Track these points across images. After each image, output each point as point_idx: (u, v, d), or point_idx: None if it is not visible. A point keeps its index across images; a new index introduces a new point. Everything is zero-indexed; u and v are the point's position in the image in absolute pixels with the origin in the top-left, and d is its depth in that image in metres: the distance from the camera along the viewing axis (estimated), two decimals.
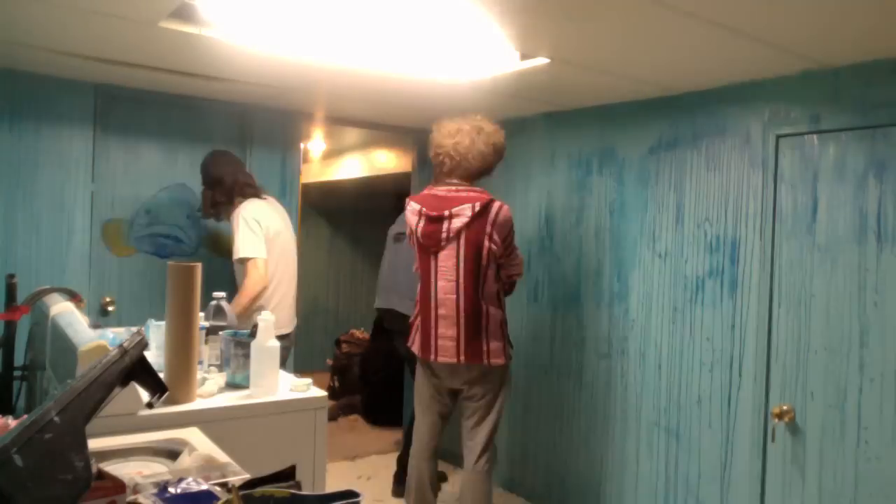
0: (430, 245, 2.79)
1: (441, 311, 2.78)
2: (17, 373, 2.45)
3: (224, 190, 3.28)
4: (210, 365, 2.25)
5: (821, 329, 2.57)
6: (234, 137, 3.86)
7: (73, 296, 2.55)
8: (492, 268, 2.77)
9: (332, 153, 6.06)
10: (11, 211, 3.22)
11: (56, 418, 0.63)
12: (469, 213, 2.71)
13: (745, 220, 2.81)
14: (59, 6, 2.24)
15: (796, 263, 2.65)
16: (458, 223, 2.72)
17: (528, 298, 3.81)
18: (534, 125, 3.77)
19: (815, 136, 2.60)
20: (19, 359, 2.52)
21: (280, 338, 2.97)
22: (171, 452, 1.27)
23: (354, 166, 5.87)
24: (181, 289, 1.89)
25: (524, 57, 2.60)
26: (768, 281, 2.72)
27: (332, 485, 2.75)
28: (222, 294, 2.43)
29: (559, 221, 3.64)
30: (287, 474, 1.04)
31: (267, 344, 2.02)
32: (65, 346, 1.78)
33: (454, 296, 2.75)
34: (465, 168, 2.82)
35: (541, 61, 2.61)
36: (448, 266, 2.75)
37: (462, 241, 2.72)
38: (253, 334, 2.08)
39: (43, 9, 2.28)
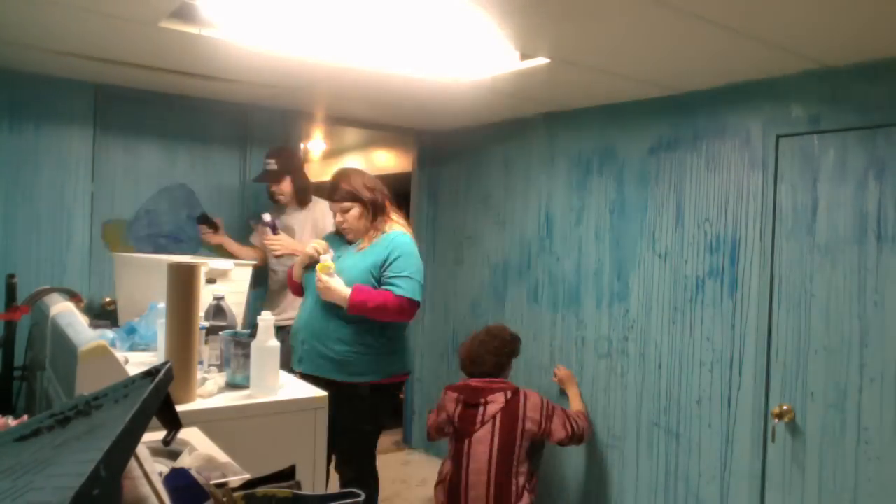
0: (464, 429, 2.99)
1: (472, 494, 2.90)
2: (17, 373, 2.45)
3: (305, 183, 3.54)
4: (210, 365, 2.25)
5: (821, 329, 2.57)
6: (234, 137, 3.87)
7: (73, 296, 2.55)
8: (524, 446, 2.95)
9: (332, 153, 6.06)
10: (11, 211, 3.22)
11: (103, 472, 0.62)
12: (502, 399, 2.96)
13: (745, 220, 2.81)
14: (59, 6, 2.24)
15: (796, 263, 2.64)
16: (493, 408, 2.97)
17: (528, 298, 3.81)
18: (534, 125, 3.77)
19: (815, 136, 2.60)
20: (19, 359, 2.52)
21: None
22: (171, 452, 1.27)
23: (354, 166, 5.87)
24: (181, 289, 1.89)
25: (524, 57, 2.60)
26: (768, 281, 2.72)
27: (333, 485, 2.75)
28: (222, 294, 2.43)
29: (559, 221, 3.64)
30: (287, 474, 1.04)
31: (267, 344, 2.02)
32: (65, 346, 1.77)
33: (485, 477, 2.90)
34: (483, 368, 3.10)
35: (541, 61, 2.61)
36: (480, 450, 2.93)
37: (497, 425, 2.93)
38: (253, 334, 2.08)
39: (43, 9, 2.29)
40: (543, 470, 3.70)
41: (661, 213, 3.14)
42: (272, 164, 3.55)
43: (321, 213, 3.58)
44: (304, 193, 3.63)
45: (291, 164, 3.60)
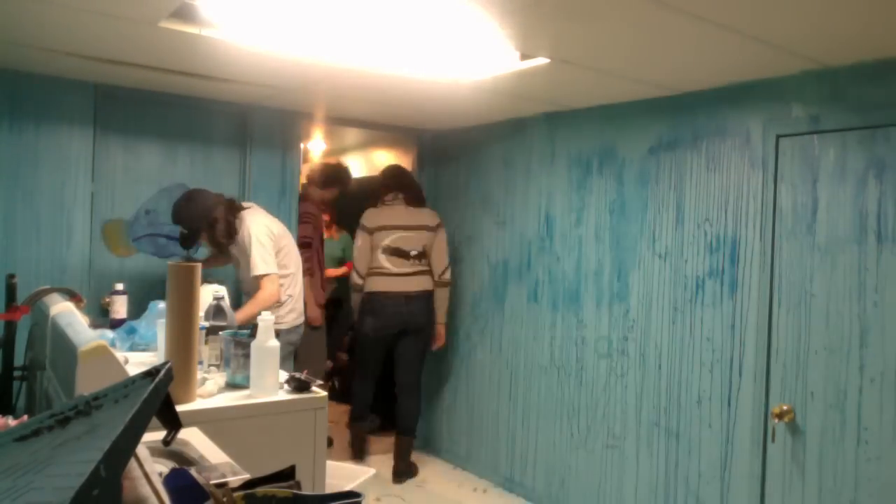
0: None
1: None
2: (17, 373, 2.45)
3: (224, 226, 3.29)
4: (210, 365, 2.25)
5: (821, 329, 2.57)
6: (234, 137, 3.87)
7: (73, 296, 2.55)
8: None
9: (332, 153, 6.06)
10: (11, 211, 3.22)
11: (103, 472, 0.62)
12: None
13: (745, 220, 2.81)
14: (59, 6, 2.24)
15: (796, 263, 2.64)
16: None
17: (528, 298, 3.81)
18: (534, 125, 3.77)
19: (815, 136, 2.60)
20: (19, 359, 2.51)
21: (297, 327, 3.52)
22: (171, 452, 1.27)
23: (354, 166, 5.87)
24: (181, 289, 1.89)
25: (524, 57, 2.60)
26: (768, 281, 2.72)
27: (332, 485, 2.75)
28: (222, 294, 2.43)
29: (559, 221, 3.64)
30: (287, 474, 1.04)
31: (267, 344, 2.02)
32: (65, 346, 1.77)
33: None
34: None
35: (541, 61, 2.61)
36: None
37: None
38: (253, 334, 2.08)
39: (43, 9, 2.28)
40: (543, 470, 3.70)
41: (661, 213, 3.14)
42: (183, 230, 3.32)
43: (244, 233, 3.32)
44: (220, 243, 3.35)
45: (197, 221, 3.28)
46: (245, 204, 3.49)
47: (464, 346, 4.26)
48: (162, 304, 2.41)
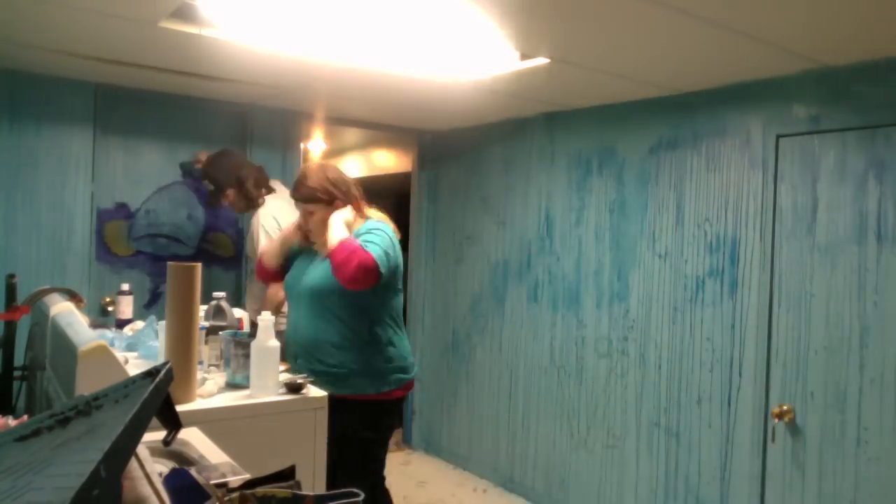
0: None
1: None
2: (17, 373, 2.45)
3: (252, 185, 3.30)
4: (210, 365, 2.25)
5: (821, 329, 2.57)
6: (234, 137, 3.86)
7: (73, 296, 2.54)
8: None
9: (332, 153, 6.06)
10: (11, 211, 3.22)
11: (103, 472, 0.62)
12: None
13: (745, 220, 2.81)
14: (59, 6, 2.24)
15: (796, 263, 2.64)
16: None
17: (528, 298, 3.81)
18: (534, 125, 3.77)
19: (815, 136, 2.60)
20: (19, 359, 2.52)
21: None
22: (171, 452, 1.27)
23: (354, 166, 5.88)
24: (181, 289, 1.89)
25: (524, 57, 2.61)
26: (768, 281, 2.72)
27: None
28: (222, 294, 2.43)
29: (559, 221, 3.64)
30: (287, 474, 1.04)
31: (267, 344, 2.02)
32: (65, 346, 1.77)
33: None
34: None
35: (541, 61, 2.61)
36: None
37: None
38: (253, 334, 2.08)
39: (43, 9, 2.28)
40: (543, 470, 3.70)
41: (661, 213, 3.14)
42: (210, 186, 3.39)
43: (264, 212, 3.32)
44: (249, 200, 3.34)
45: (225, 176, 3.32)
46: (273, 183, 3.44)
47: (464, 346, 4.26)
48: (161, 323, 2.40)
